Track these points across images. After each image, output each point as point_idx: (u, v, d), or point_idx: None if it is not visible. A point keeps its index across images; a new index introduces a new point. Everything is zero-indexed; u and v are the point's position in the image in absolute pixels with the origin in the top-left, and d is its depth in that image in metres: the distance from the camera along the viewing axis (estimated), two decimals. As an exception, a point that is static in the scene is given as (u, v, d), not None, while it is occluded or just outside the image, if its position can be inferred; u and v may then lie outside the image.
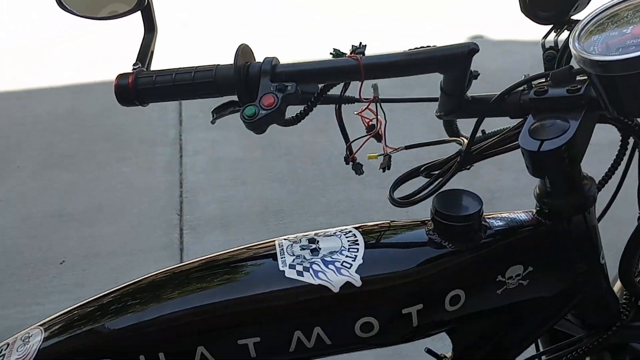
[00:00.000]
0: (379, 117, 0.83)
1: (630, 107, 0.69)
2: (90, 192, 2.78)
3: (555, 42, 0.81)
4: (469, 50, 0.75)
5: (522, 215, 0.85)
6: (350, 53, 0.80)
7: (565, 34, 0.81)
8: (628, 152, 0.90)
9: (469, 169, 0.86)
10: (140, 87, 0.81)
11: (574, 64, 0.75)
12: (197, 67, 0.81)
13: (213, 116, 0.88)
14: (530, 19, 0.84)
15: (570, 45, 0.70)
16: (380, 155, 0.85)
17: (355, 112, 0.85)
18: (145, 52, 0.85)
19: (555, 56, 0.80)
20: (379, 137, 0.85)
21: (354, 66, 0.77)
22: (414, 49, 0.80)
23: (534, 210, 0.86)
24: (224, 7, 4.27)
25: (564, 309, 0.88)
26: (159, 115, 3.29)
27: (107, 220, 2.62)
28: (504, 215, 0.86)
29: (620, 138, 0.88)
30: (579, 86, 0.74)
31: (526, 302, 0.84)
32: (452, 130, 0.93)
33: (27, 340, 0.83)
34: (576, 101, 0.74)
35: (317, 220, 2.59)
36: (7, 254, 2.45)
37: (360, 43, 0.81)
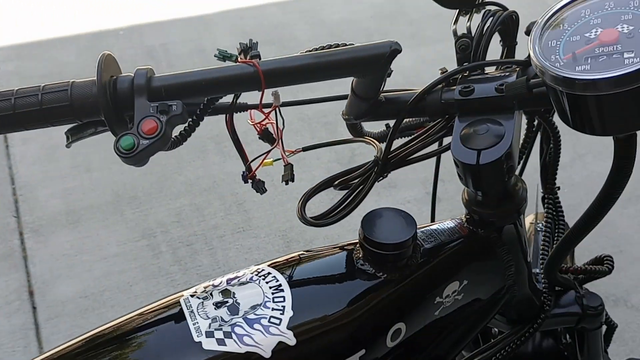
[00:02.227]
0: (276, 123, 0.73)
1: (605, 127, 0.57)
2: None
3: (468, 28, 0.72)
4: (390, 51, 0.65)
5: (451, 226, 0.78)
6: (240, 54, 0.67)
7: (477, 18, 0.73)
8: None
9: (386, 176, 0.75)
10: None
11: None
12: (44, 86, 0.64)
13: (68, 139, 0.71)
14: (434, 0, 0.73)
15: (531, 53, 0.58)
16: (276, 160, 0.75)
17: (250, 122, 0.74)
18: None
19: (470, 45, 0.72)
20: (272, 140, 0.76)
21: (252, 74, 0.65)
22: (320, 48, 0.69)
23: (463, 218, 0.79)
24: None
25: (493, 311, 0.83)
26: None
27: None
28: (433, 228, 0.78)
29: (527, 122, 0.85)
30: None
31: (458, 311, 0.78)
32: (357, 130, 0.84)
33: None
34: (507, 100, 0.66)
35: (179, 202, 2.38)
36: None
37: (251, 40, 0.68)
